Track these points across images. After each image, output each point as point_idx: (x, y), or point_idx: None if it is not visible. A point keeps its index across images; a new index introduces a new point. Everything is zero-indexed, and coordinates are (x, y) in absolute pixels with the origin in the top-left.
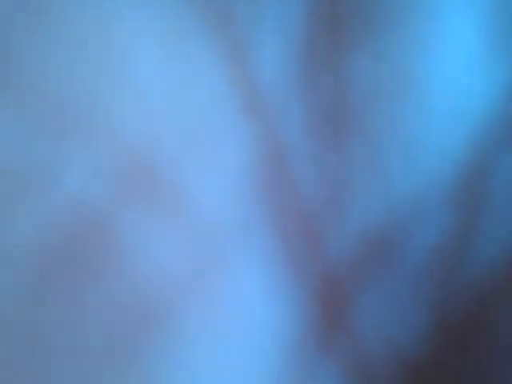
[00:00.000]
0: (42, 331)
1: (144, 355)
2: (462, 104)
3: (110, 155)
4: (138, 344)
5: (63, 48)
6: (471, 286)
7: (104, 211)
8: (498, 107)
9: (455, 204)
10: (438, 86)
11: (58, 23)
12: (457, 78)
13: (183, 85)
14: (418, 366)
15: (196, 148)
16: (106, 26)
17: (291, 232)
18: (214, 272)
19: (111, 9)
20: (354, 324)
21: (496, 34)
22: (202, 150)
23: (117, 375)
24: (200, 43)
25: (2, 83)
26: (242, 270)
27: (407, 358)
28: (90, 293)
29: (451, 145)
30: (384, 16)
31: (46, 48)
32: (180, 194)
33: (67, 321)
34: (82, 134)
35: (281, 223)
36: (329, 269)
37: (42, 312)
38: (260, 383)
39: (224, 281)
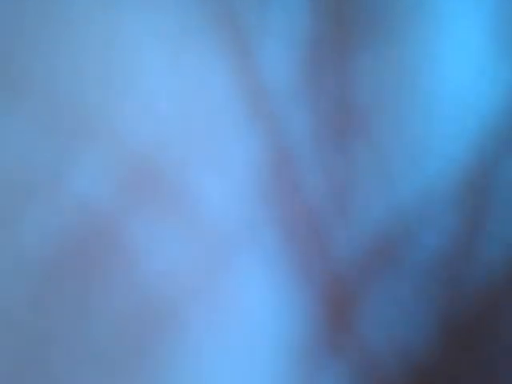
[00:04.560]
0: (50, 333)
1: (150, 356)
2: (467, 106)
3: (117, 158)
4: (145, 345)
5: (72, 53)
6: (476, 286)
7: (111, 213)
8: (503, 109)
9: (460, 205)
10: (444, 88)
11: (66, 29)
12: (462, 80)
13: (189, 88)
14: (424, 367)
15: (203, 150)
16: (113, 30)
17: (297, 234)
18: (221, 273)
19: (118, 14)
20: (360, 325)
21: (502, 36)
22: (208, 152)
23: (123, 376)
24: (205, 46)
25: (11, 87)
26: (249, 271)
27: (413, 359)
28: (97, 295)
29: (456, 147)
30: (390, 18)
31: (55, 53)
32: (187, 196)
33: (74, 323)
34: (89, 137)
35: (287, 225)
36: (335, 270)
37: (49, 314)
38: (267, 383)
39: (230, 282)
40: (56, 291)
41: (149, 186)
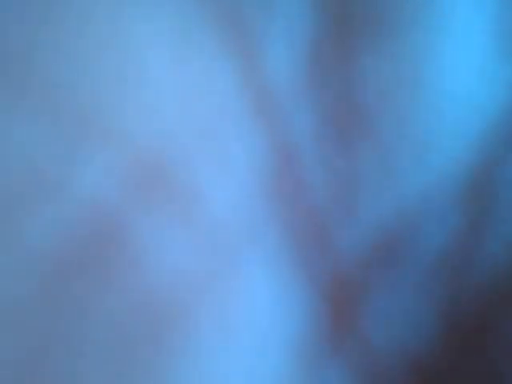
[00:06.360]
0: (57, 331)
1: (157, 355)
2: (471, 105)
3: (123, 156)
4: (152, 344)
5: (79, 50)
6: (481, 285)
7: (117, 211)
8: (507, 108)
9: (464, 204)
10: (447, 88)
11: (70, 28)
12: (466, 80)
13: (195, 87)
14: (427, 367)
15: (208, 148)
16: (120, 28)
17: (301, 232)
18: (226, 272)
19: (126, 12)
20: (363, 324)
21: (503, 36)
22: (214, 151)
23: (129, 376)
24: (211, 45)
25: (19, 84)
26: (254, 270)
27: (415, 358)
28: (104, 292)
29: (460, 145)
30: (394, 17)
31: (58, 52)
32: (192, 194)
33: (81, 321)
34: (96, 135)
35: (291, 223)
36: (338, 269)
37: (56, 312)
38: (270, 381)
39: (236, 280)
40: (62, 290)
41: (155, 184)
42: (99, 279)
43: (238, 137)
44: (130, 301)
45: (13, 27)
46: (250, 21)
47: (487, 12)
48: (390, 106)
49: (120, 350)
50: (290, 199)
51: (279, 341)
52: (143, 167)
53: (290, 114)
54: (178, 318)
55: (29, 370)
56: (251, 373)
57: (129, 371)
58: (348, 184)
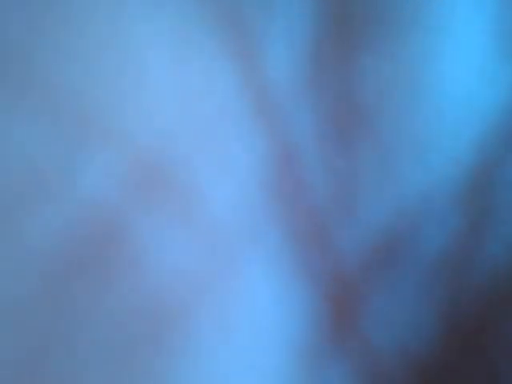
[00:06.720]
0: (57, 331)
1: (157, 355)
2: (471, 106)
3: (123, 156)
4: (152, 344)
5: (79, 50)
6: (481, 286)
7: (117, 211)
8: (507, 110)
9: (464, 205)
10: (448, 88)
11: (72, 28)
12: (466, 81)
13: (195, 87)
14: (427, 367)
15: (208, 149)
16: (120, 28)
17: (302, 232)
18: (227, 272)
19: (126, 12)
20: (364, 324)
21: (503, 36)
22: (214, 151)
23: (131, 374)
24: (211, 45)
25: (19, 85)
26: (254, 270)
27: (416, 358)
28: (104, 292)
29: (460, 146)
30: (394, 17)
31: (63, 51)
32: (193, 195)
33: (81, 321)
34: (96, 135)
35: (292, 224)
36: (339, 269)
37: (56, 312)
38: (270, 381)
39: (236, 281)
40: (62, 290)
41: (155, 184)
42: (99, 279)
43: (238, 137)
44: (129, 301)
45: (13, 27)
46: (250, 21)
47: (487, 12)
48: (390, 106)
49: (120, 349)
50: (290, 199)
51: (280, 341)
52: (143, 167)
53: (290, 114)
54: (178, 318)
55: (29, 369)
56: (252, 373)
57: (129, 371)
58: (348, 184)
